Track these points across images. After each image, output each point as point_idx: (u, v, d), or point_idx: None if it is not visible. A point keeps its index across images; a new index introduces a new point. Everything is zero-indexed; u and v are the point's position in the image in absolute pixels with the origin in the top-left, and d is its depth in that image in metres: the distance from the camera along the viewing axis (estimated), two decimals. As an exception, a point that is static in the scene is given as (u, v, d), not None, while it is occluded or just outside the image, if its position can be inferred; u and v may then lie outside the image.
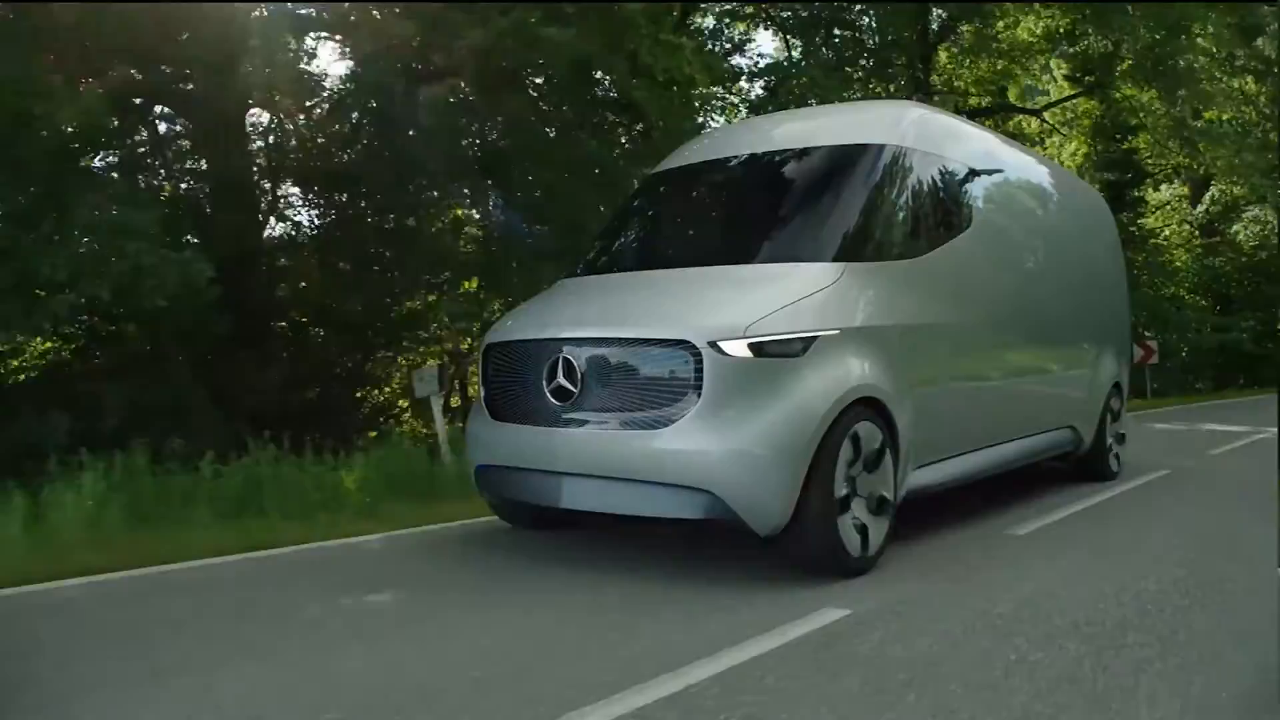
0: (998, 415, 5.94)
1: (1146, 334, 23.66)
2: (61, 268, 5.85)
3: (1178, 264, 27.41)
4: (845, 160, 5.21)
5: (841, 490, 4.33)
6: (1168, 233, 28.12)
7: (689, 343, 4.21)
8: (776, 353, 4.25)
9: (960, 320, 5.44)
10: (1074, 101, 24.84)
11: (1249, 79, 25.60)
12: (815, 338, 4.33)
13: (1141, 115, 22.49)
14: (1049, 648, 3.24)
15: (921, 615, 3.69)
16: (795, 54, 17.16)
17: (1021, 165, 7.17)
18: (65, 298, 6.22)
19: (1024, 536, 5.29)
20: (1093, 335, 7.60)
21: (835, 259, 4.70)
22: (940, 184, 5.58)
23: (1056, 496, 6.52)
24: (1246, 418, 13.33)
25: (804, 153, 5.55)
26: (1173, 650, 3.19)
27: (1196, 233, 28.52)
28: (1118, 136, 24.70)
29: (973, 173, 5.95)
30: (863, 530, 4.41)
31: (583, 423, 4.49)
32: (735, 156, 5.79)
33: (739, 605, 3.84)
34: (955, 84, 20.89)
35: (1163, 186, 28.06)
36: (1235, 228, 29.05)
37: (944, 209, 5.61)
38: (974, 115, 18.91)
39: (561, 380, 4.48)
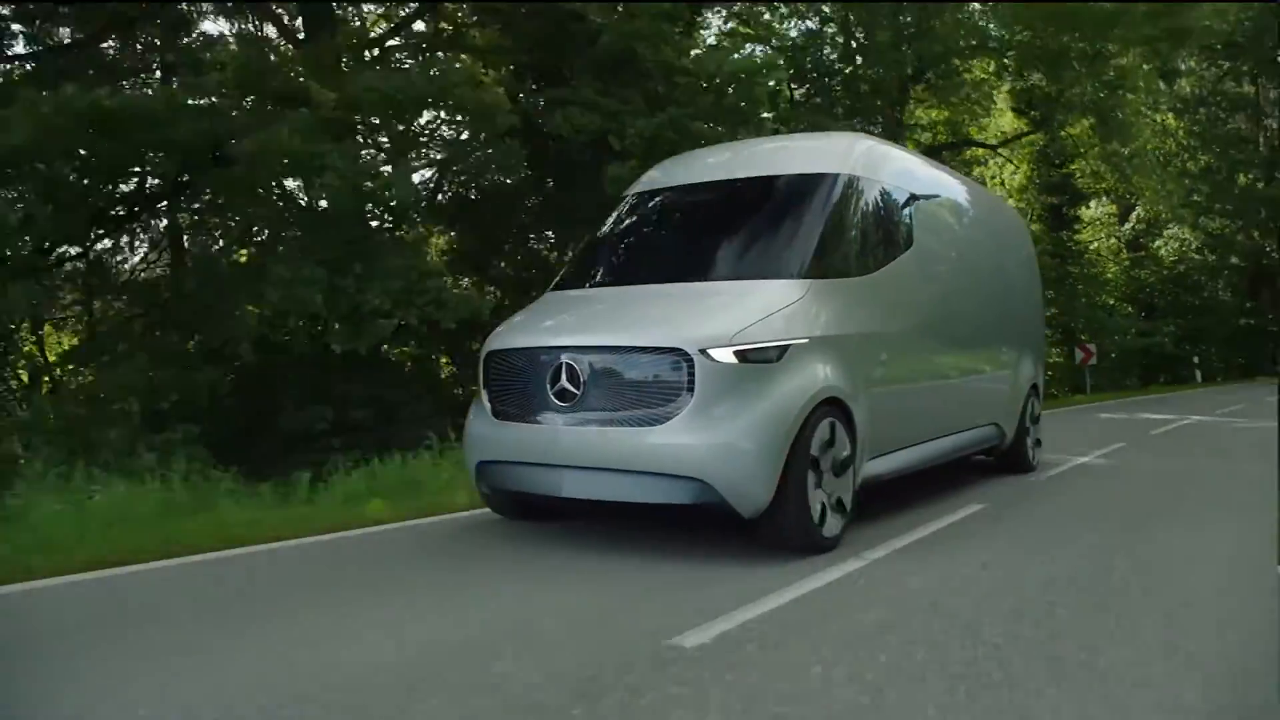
0: (936, 413, 6.53)
1: (1083, 338, 26.89)
2: (386, 299, 8.13)
3: (1109, 275, 30.73)
4: (806, 187, 5.72)
5: (805, 482, 4.76)
6: (1097, 246, 31.41)
7: (682, 350, 4.63)
8: (757, 359, 4.69)
9: (904, 329, 5.97)
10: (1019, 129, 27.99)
11: (1169, 115, 29.11)
12: (789, 345, 4.79)
13: (1080, 149, 25.62)
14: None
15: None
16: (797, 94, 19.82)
17: (951, 189, 7.76)
18: (388, 322, 8.56)
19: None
20: (1013, 341, 8.22)
21: (801, 276, 5.17)
22: (886, 208, 6.14)
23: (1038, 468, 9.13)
24: (1172, 409, 16.25)
25: (770, 180, 6.05)
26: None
27: (1124, 248, 31.97)
28: (1057, 163, 27.85)
29: (913, 197, 6.49)
30: (828, 515, 4.91)
31: (584, 421, 4.86)
32: (710, 181, 6.33)
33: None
34: (923, 122, 23.78)
35: (1093, 203, 31.33)
36: (1157, 243, 32.63)
37: (890, 230, 6.15)
38: (936, 150, 21.73)
39: (564, 383, 4.86)
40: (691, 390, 4.58)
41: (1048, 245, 26.00)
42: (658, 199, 6.46)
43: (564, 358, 4.88)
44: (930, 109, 23.29)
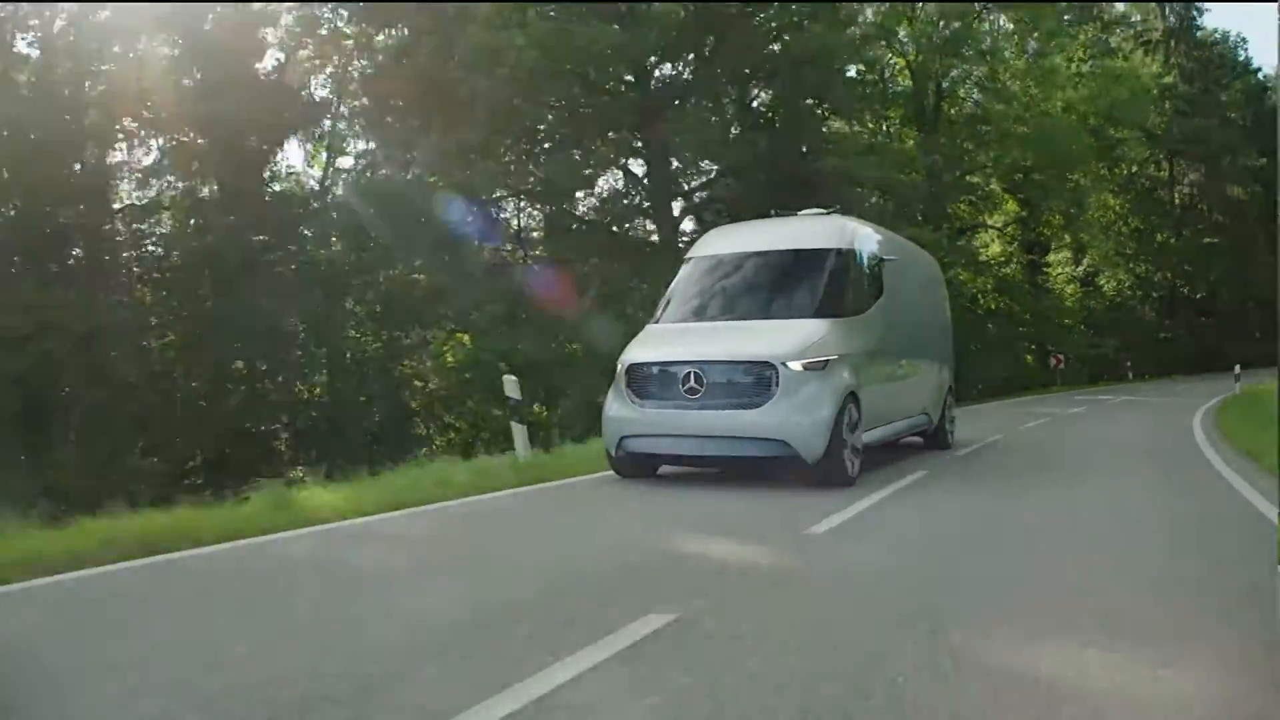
0: (895, 403, 9.38)
1: (1051, 348, 38.68)
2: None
3: (1068, 304, 42.81)
4: (820, 258, 8.66)
5: (843, 440, 7.56)
6: (1059, 284, 43.50)
7: (770, 362, 7.53)
8: (813, 368, 7.54)
9: (879, 349, 8.83)
10: (1003, 198, 39.92)
11: (1110, 195, 41.49)
12: (829, 360, 7.65)
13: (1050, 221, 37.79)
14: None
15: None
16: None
17: (900, 249, 10.65)
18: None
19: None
20: (935, 356, 11.24)
21: (826, 316, 8.13)
22: (868, 269, 9.10)
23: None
24: (1112, 393, 28.06)
25: (795, 252, 8.90)
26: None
27: (1078, 284, 44.16)
28: (1033, 229, 39.84)
29: (882, 260, 9.43)
30: (852, 462, 7.75)
31: (705, 406, 7.65)
32: (754, 252, 9.13)
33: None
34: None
35: (1055, 254, 43.45)
36: (1101, 281, 44.92)
37: (871, 284, 9.10)
38: (961, 232, 33.29)
39: (692, 383, 7.73)
40: (777, 386, 7.47)
41: (1026, 285, 37.97)
42: (714, 263, 9.29)
43: (691, 367, 7.76)
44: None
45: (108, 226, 24.34)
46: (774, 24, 20.22)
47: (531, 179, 20.83)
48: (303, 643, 3.50)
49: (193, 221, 25.36)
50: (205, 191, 24.87)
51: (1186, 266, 43.40)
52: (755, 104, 20.90)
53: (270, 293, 23.84)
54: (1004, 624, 3.60)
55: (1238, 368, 23.84)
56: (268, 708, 2.81)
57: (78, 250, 23.99)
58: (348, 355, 25.73)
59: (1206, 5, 45.48)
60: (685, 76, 20.53)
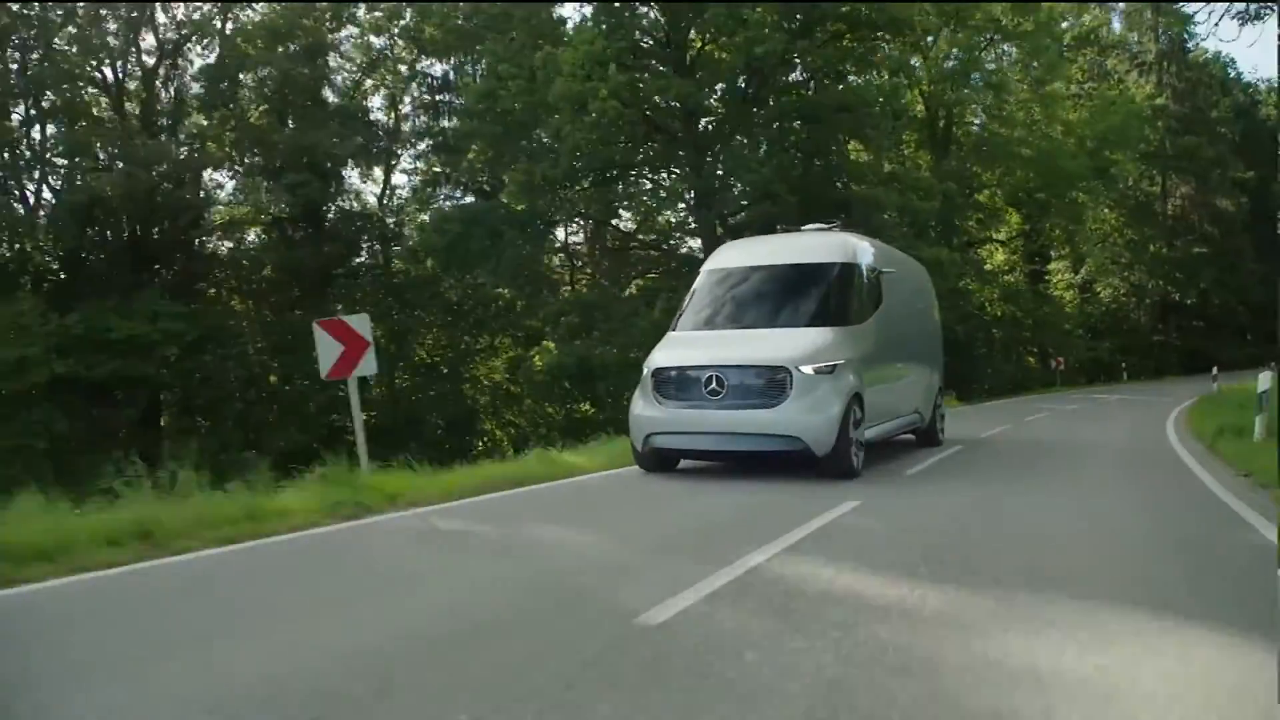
0: (891, 404, 10.23)
1: (1051, 351, 41.46)
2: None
3: (1068, 310, 45.60)
4: (826, 271, 9.56)
5: (849, 436, 8.42)
6: (1060, 292, 46.32)
7: (785, 366, 8.39)
8: (824, 371, 8.43)
9: (879, 354, 9.72)
10: (1008, 212, 42.72)
11: (1108, 209, 44.30)
12: (836, 364, 8.54)
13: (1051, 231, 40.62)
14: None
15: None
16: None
17: (896, 262, 11.59)
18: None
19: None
20: (927, 361, 12.12)
21: (833, 325, 9.02)
22: (868, 281, 9.93)
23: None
24: (1106, 392, 30.86)
25: (800, 266, 9.78)
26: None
27: (1078, 291, 46.96)
28: (1034, 238, 42.63)
29: (880, 272, 10.28)
30: (856, 456, 8.66)
31: (726, 406, 8.52)
32: (765, 265, 10.04)
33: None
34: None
35: (1055, 264, 46.28)
36: (1098, 288, 47.72)
37: (871, 295, 9.93)
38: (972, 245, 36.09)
39: (714, 385, 8.61)
40: (791, 388, 8.38)
41: (1029, 292, 40.71)
42: (727, 275, 10.14)
43: (713, 370, 8.67)
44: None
45: (209, 243, 27.18)
46: (813, 75, 23.33)
47: (596, 207, 23.73)
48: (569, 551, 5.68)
49: (274, 237, 28.19)
50: (284, 209, 27.58)
51: (1178, 274, 46.14)
52: (793, 139, 23.71)
53: (346, 301, 26.68)
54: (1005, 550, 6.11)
55: (1215, 369, 25.85)
56: (560, 578, 4.78)
57: (176, 265, 26.83)
58: (419, 357, 28.58)
59: (1198, 26, 48.18)
60: (731, 116, 23.40)
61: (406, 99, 30.45)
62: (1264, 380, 11.27)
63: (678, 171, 23.03)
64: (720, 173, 22.62)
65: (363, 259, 28.89)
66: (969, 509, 7.12)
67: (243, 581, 5.04)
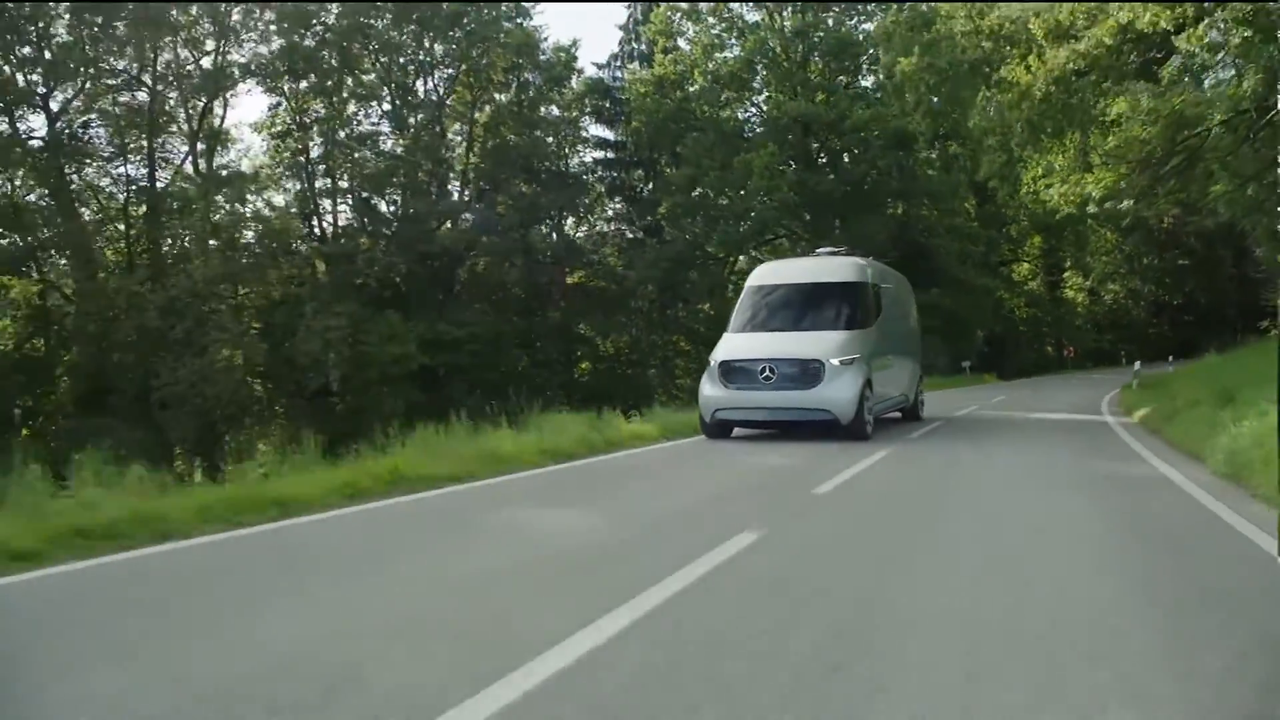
0: (888, 388, 13.43)
1: (1064, 342, 53.24)
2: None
3: (1079, 309, 57.39)
4: (843, 288, 13.05)
5: (864, 409, 11.70)
6: (1072, 295, 58.06)
7: (819, 359, 11.68)
8: (846, 362, 11.71)
9: (880, 350, 12.91)
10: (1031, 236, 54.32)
11: (1109, 233, 55.94)
12: (855, 357, 11.83)
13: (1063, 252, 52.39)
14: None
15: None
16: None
17: (890, 278, 15.11)
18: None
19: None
20: (910, 355, 15.57)
21: (849, 329, 12.33)
22: (875, 294, 13.30)
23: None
24: (1100, 372, 42.59)
25: (827, 283, 13.25)
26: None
27: (1086, 294, 58.71)
28: (1053, 255, 54.34)
29: (880, 287, 13.76)
30: (869, 424, 11.92)
31: (776, 388, 11.66)
32: (796, 283, 13.48)
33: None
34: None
35: (1068, 273, 58.00)
36: (1103, 292, 59.45)
37: (875, 305, 13.22)
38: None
39: (767, 372, 11.78)
40: (824, 375, 11.62)
41: (1047, 297, 52.51)
42: (767, 290, 13.69)
43: (766, 362, 11.96)
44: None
45: (478, 268, 39.41)
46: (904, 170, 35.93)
47: (761, 254, 36.11)
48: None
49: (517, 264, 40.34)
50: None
51: (1166, 280, 57.71)
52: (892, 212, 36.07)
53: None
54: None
55: (1137, 364, 29.07)
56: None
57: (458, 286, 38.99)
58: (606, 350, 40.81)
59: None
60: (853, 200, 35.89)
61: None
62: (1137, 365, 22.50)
63: (808, 235, 35.32)
64: (838, 233, 34.75)
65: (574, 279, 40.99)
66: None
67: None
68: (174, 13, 34.46)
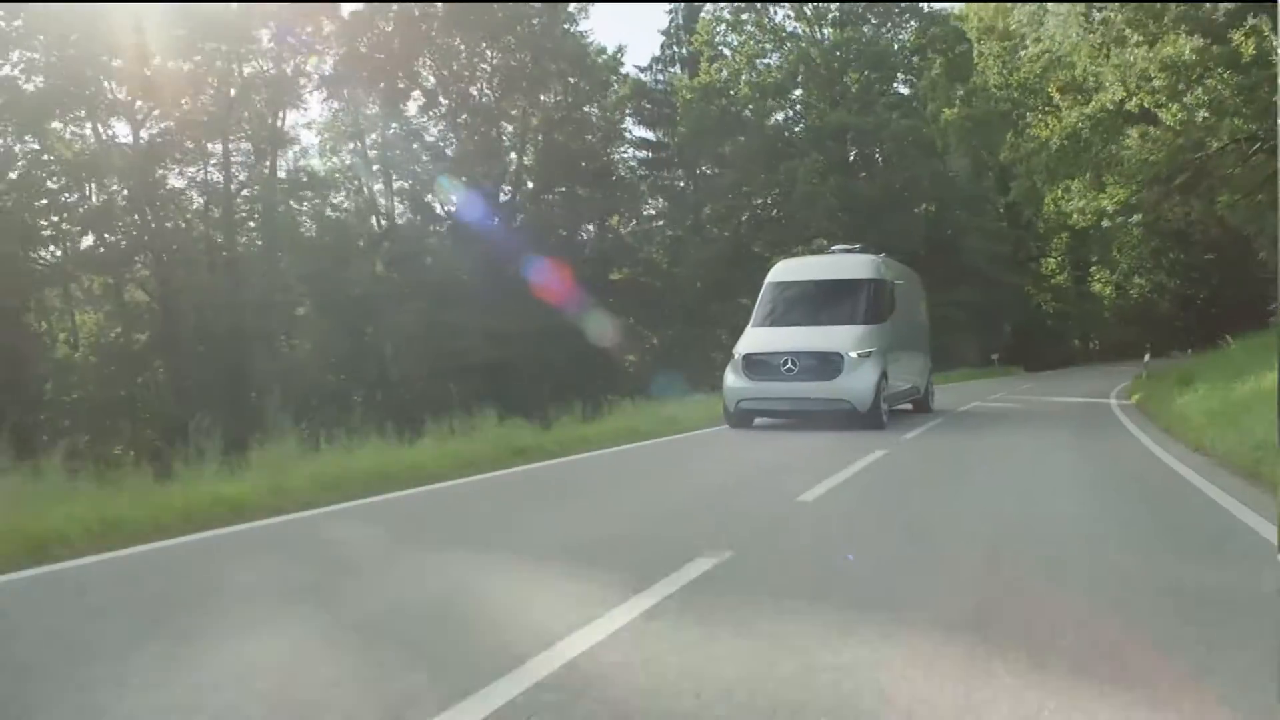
0: (901, 379, 13.93)
1: (1091, 335, 54.92)
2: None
3: (1106, 303, 59.00)
4: (860, 284, 13.56)
5: (880, 399, 12.40)
6: (1100, 290, 59.69)
7: (838, 352, 12.46)
8: (863, 355, 12.48)
9: (894, 344, 13.43)
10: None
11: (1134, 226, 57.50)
12: (872, 350, 12.65)
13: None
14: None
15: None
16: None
17: (903, 275, 15.65)
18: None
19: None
20: (920, 349, 16.12)
21: (866, 323, 13.00)
22: (889, 290, 13.79)
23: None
24: (1120, 364, 44.19)
25: (842, 280, 13.82)
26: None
27: (1113, 289, 60.28)
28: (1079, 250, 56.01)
29: (894, 283, 14.26)
30: (885, 413, 12.65)
31: (797, 379, 12.39)
32: (813, 279, 14.17)
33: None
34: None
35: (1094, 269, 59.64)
36: (1129, 288, 60.96)
37: (889, 301, 13.75)
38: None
39: (789, 364, 12.47)
40: (843, 367, 12.34)
41: (1074, 292, 54.16)
42: (788, 286, 14.34)
43: (788, 355, 12.53)
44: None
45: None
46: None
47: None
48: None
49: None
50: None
51: (1193, 275, 59.11)
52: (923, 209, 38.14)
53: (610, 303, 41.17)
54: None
55: (1146, 356, 31.94)
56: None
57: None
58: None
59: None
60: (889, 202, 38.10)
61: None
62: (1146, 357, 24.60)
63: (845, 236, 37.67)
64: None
65: (618, 275, 43.29)
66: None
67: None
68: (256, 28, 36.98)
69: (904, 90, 41.17)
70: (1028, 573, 4.61)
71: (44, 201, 33.98)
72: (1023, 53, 18.31)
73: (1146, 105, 13.85)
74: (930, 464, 9.63)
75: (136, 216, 33.92)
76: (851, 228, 36.24)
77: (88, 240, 34.33)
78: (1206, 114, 13.48)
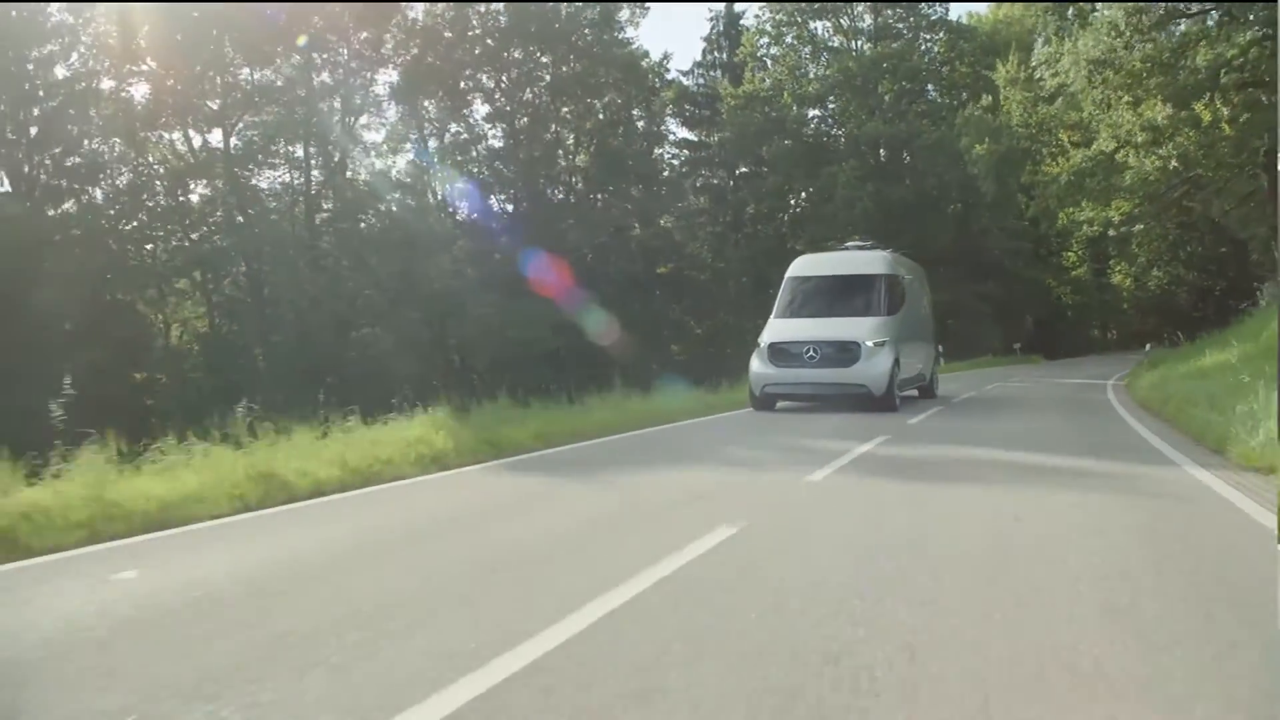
0: (910, 367, 15.04)
1: (1109, 325, 57.55)
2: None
3: (1125, 295, 61.63)
4: (875, 279, 15.08)
5: (893, 385, 13.98)
6: (1120, 281, 62.29)
7: (857, 341, 13.93)
8: (879, 344, 13.95)
9: (904, 334, 14.86)
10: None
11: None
12: (886, 340, 14.15)
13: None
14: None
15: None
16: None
17: (912, 270, 16.86)
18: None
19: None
20: (926, 339, 17.16)
21: (880, 315, 14.48)
22: (900, 285, 15.43)
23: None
24: (1134, 352, 47.09)
25: (858, 275, 15.20)
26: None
27: (1133, 280, 62.92)
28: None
29: (903, 278, 15.71)
30: (897, 398, 14.25)
31: (818, 366, 13.93)
32: (830, 275, 15.47)
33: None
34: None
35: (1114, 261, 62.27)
36: (1147, 280, 63.58)
37: (901, 295, 15.30)
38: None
39: (811, 352, 14.00)
40: (861, 355, 13.90)
41: (1094, 284, 56.84)
42: (807, 280, 15.65)
43: (810, 344, 14.08)
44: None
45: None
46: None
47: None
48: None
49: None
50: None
51: (1210, 267, 61.61)
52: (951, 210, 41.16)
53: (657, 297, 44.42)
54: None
55: (1148, 345, 35.00)
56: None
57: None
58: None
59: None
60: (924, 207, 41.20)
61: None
62: (1148, 346, 27.73)
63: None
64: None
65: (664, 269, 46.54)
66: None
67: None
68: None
69: (934, 94, 44.11)
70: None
71: (152, 204, 37.72)
72: (1042, 82, 21.43)
73: (1130, 157, 17.11)
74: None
75: (240, 217, 37.51)
76: (886, 228, 39.38)
77: (185, 239, 38.09)
78: (1176, 164, 16.70)
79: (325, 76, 42.13)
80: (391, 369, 32.67)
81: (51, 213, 35.61)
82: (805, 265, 16.40)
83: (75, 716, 3.01)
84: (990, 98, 29.38)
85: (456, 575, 4.75)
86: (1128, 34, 16.18)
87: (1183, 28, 16.29)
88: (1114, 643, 3.40)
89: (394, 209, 41.06)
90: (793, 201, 42.43)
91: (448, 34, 43.48)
